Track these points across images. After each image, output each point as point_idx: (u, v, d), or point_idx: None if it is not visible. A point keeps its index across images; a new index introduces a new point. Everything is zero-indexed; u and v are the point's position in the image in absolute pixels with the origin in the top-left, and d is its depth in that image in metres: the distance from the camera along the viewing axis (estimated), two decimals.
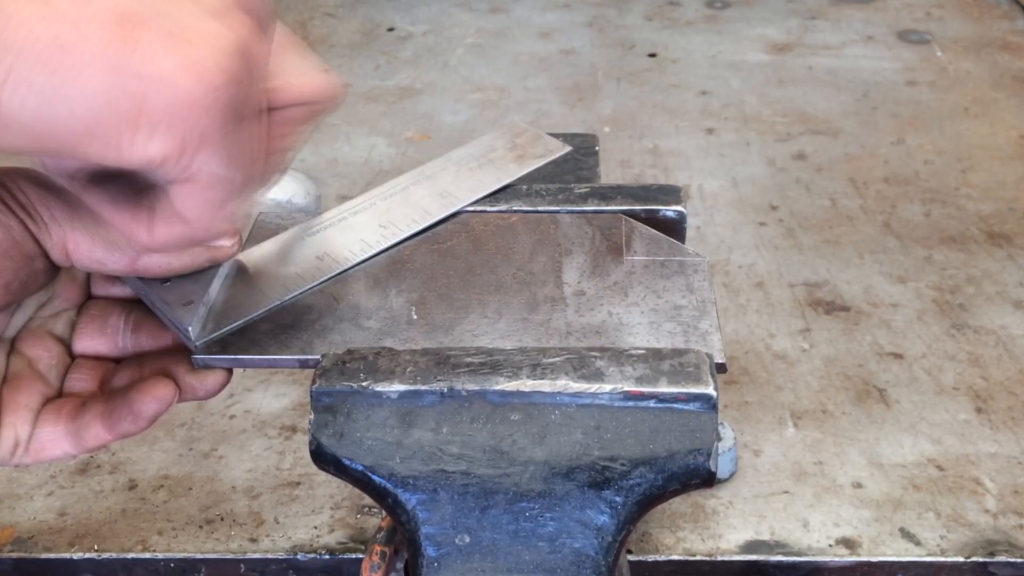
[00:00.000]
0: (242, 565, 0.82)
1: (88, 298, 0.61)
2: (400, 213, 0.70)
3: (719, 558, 0.81)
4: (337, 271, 0.65)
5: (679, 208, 0.74)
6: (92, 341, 0.60)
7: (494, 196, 0.74)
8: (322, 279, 0.64)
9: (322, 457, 0.58)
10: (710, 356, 0.59)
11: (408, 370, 0.58)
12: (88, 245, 0.53)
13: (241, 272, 0.64)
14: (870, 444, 0.91)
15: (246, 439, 0.93)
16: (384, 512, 0.68)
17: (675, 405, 0.57)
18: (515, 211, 0.73)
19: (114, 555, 0.82)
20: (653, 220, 0.73)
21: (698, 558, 0.81)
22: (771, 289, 1.11)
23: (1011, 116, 1.46)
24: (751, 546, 0.82)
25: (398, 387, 0.57)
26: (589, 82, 1.59)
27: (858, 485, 0.87)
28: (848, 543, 0.82)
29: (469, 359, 0.59)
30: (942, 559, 0.81)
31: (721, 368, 0.60)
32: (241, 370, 0.94)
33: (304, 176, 0.89)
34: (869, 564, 0.81)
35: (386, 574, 0.68)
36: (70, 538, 0.84)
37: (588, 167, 0.82)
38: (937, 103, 1.50)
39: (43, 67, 0.41)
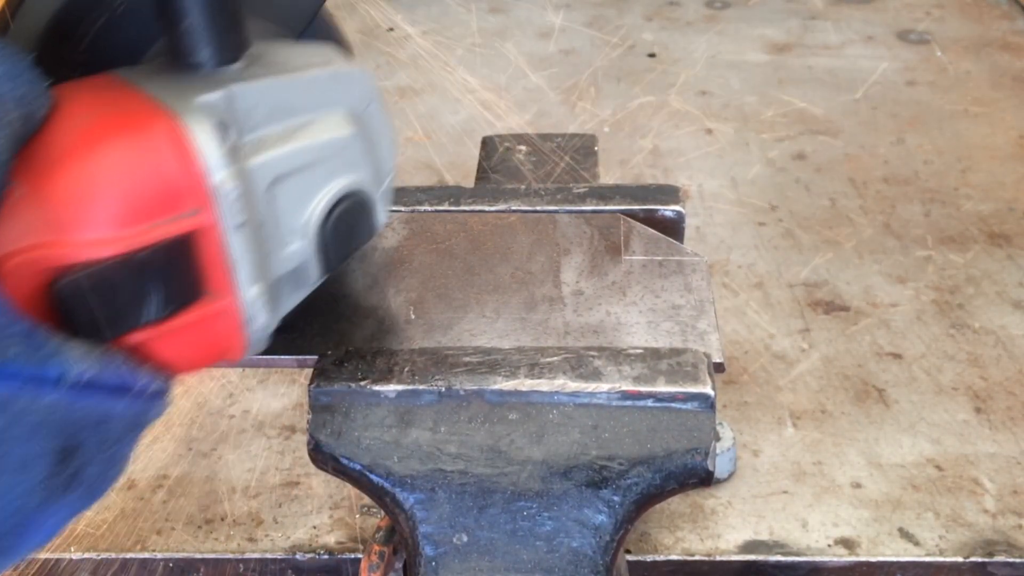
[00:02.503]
0: (241, 565, 0.82)
1: None
2: None
3: (718, 558, 0.81)
4: None
5: (678, 208, 0.74)
6: None
7: (493, 196, 0.74)
8: None
9: (320, 456, 0.58)
10: (708, 356, 0.59)
11: (406, 369, 0.58)
12: None
13: None
14: (869, 444, 0.91)
15: (245, 439, 0.93)
16: (383, 511, 0.68)
17: (673, 404, 0.57)
18: (513, 211, 0.73)
19: (112, 555, 0.82)
20: (652, 220, 0.73)
21: (697, 558, 0.81)
22: (770, 289, 1.11)
23: (1011, 116, 1.46)
24: (750, 546, 0.82)
25: (396, 386, 0.57)
26: (589, 82, 1.59)
27: (857, 485, 0.87)
28: (847, 543, 0.82)
29: (467, 358, 0.59)
30: (941, 559, 0.81)
31: (719, 368, 0.60)
32: (240, 370, 0.93)
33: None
34: (868, 564, 0.81)
35: (385, 574, 0.68)
36: (69, 538, 0.83)
37: (587, 167, 0.82)
38: (937, 103, 1.50)
39: None
